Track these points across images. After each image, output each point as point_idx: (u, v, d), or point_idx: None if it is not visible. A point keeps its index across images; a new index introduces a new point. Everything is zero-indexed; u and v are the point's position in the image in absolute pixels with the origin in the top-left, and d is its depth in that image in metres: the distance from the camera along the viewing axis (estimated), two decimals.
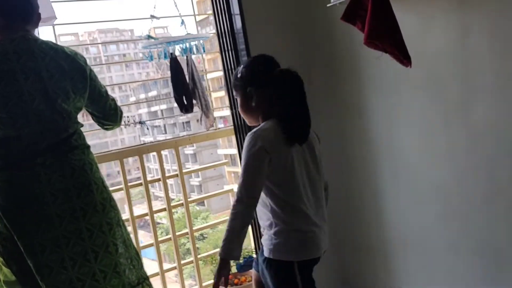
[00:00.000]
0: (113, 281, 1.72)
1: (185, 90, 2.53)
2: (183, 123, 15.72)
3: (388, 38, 1.83)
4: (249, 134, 1.74)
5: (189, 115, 2.62)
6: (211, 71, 3.15)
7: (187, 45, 2.60)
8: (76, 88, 1.75)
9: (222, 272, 1.74)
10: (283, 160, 1.73)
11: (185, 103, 2.54)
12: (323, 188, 1.88)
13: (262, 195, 1.74)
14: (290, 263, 1.78)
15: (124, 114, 2.26)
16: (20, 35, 1.69)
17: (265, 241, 1.81)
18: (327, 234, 1.86)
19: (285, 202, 1.74)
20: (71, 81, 1.73)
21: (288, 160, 1.74)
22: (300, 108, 1.78)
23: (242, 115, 1.92)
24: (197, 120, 2.62)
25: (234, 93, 1.90)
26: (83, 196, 1.70)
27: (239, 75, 1.83)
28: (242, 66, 1.86)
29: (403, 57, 1.85)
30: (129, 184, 2.69)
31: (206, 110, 2.54)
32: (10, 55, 1.64)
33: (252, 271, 2.12)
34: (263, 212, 1.81)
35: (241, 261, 2.74)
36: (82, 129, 1.86)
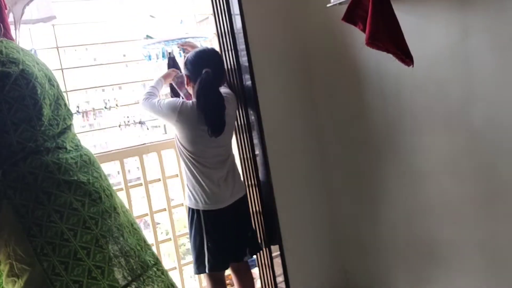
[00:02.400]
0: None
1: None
2: None
3: (390, 38, 1.83)
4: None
5: None
6: None
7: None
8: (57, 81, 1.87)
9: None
10: None
11: None
12: None
13: None
14: None
15: (124, 114, 2.26)
16: (1, 39, 1.75)
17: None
18: None
19: None
20: (53, 73, 1.87)
21: None
22: None
23: None
24: None
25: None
26: None
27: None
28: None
29: (405, 57, 1.85)
30: (129, 184, 2.70)
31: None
32: (10, 49, 1.69)
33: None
34: None
35: None
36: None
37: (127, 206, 2.66)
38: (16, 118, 1.64)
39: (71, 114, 1.86)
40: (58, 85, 1.84)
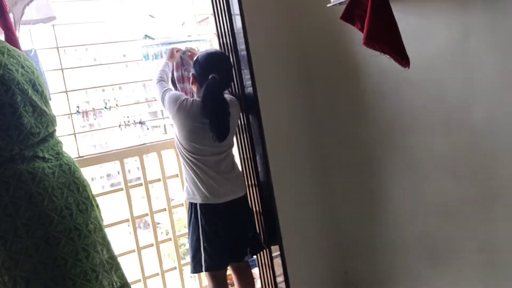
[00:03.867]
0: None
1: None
2: None
3: (387, 39, 1.83)
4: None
5: None
6: None
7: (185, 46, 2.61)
8: (44, 84, 1.80)
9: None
10: None
11: None
12: None
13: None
14: None
15: (124, 114, 2.26)
16: None
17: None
18: None
19: None
20: (42, 78, 1.78)
21: None
22: None
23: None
24: None
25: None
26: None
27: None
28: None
29: (401, 58, 1.85)
30: (129, 184, 2.70)
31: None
32: None
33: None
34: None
35: None
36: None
37: (126, 205, 2.66)
38: None
39: (55, 120, 1.77)
40: (43, 90, 1.75)
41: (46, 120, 1.70)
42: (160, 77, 2.39)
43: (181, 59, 2.53)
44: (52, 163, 1.68)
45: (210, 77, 2.25)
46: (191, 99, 2.30)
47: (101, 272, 1.72)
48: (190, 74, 2.41)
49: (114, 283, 1.77)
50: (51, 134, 1.74)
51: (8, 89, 1.59)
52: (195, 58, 2.38)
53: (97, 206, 1.83)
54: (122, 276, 1.84)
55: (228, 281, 2.81)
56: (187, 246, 2.45)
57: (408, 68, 1.86)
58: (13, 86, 1.61)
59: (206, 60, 2.33)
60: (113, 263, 1.80)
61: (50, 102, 1.80)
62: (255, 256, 2.67)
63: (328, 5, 2.18)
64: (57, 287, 1.62)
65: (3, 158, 1.59)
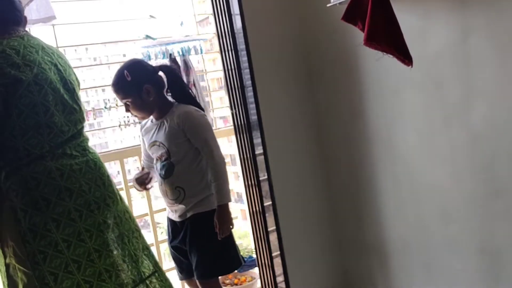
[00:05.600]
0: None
1: None
2: None
3: (389, 38, 1.83)
4: (197, 112, 2.12)
5: None
6: (211, 71, 3.15)
7: (185, 46, 2.61)
8: (77, 81, 1.84)
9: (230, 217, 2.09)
10: None
11: None
12: None
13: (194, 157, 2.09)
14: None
15: (124, 114, 2.26)
16: (24, 33, 1.74)
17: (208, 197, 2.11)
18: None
19: None
20: (74, 75, 1.83)
21: None
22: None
23: (136, 114, 2.15)
24: None
25: (122, 96, 2.10)
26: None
27: (129, 78, 2.05)
28: (124, 70, 2.07)
29: (404, 57, 1.85)
30: (129, 184, 2.69)
31: (203, 111, 2.55)
32: (30, 48, 1.68)
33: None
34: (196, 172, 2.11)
35: None
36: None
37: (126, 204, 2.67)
38: (25, 124, 1.62)
39: (83, 117, 1.82)
40: (74, 88, 1.80)
41: (75, 117, 1.76)
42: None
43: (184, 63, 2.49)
44: (79, 159, 1.73)
45: (156, 67, 2.17)
46: (194, 109, 2.15)
47: (130, 262, 1.79)
48: (131, 98, 2.09)
49: (142, 273, 1.83)
50: (79, 131, 1.79)
51: (41, 88, 1.65)
52: (129, 78, 2.05)
53: (121, 199, 1.89)
54: (155, 264, 1.92)
55: (228, 281, 2.81)
56: None
57: (411, 66, 1.87)
58: (46, 86, 1.66)
59: (139, 64, 2.16)
60: (138, 254, 1.85)
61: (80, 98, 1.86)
62: (254, 256, 2.67)
63: (328, 5, 2.18)
64: (93, 283, 1.67)
65: (33, 155, 1.64)
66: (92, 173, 1.75)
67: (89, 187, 1.71)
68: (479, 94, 1.93)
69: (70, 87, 1.76)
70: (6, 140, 1.62)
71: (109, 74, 2.26)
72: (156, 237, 2.79)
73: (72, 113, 1.74)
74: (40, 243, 1.61)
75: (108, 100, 2.58)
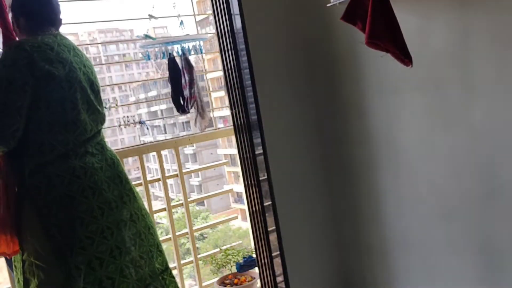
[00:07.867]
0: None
1: (182, 90, 2.55)
2: (183, 123, 15.69)
3: (389, 38, 1.83)
4: None
5: (189, 115, 2.62)
6: (211, 71, 3.15)
7: (185, 45, 2.61)
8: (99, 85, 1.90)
9: None
10: None
11: (182, 103, 2.55)
12: None
13: None
14: None
15: (124, 114, 2.28)
16: (57, 33, 1.81)
17: None
18: None
19: None
20: (97, 79, 1.90)
21: None
22: None
23: None
24: (194, 121, 2.63)
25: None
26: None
27: None
28: None
29: (404, 56, 1.85)
30: None
31: (202, 111, 2.56)
32: (62, 47, 1.74)
33: None
34: None
35: (241, 261, 2.75)
36: None
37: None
38: (52, 119, 1.67)
39: (104, 119, 1.88)
40: (99, 90, 1.86)
41: (97, 118, 1.82)
42: None
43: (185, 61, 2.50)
44: (99, 157, 1.78)
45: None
46: None
47: (146, 259, 1.85)
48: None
49: (156, 269, 1.90)
50: (99, 131, 1.85)
51: (71, 86, 1.71)
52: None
53: (137, 196, 1.93)
54: (164, 263, 1.97)
55: (228, 281, 2.81)
56: (187, 246, 2.45)
57: (411, 66, 1.87)
58: (76, 84, 1.73)
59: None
60: (153, 250, 1.92)
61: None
62: (254, 256, 2.67)
63: (328, 5, 2.18)
64: (115, 279, 1.72)
65: (58, 152, 1.68)
66: (111, 171, 1.80)
67: (108, 185, 1.76)
68: (479, 94, 1.93)
69: (95, 89, 1.83)
70: (31, 133, 1.66)
71: (109, 74, 2.26)
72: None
73: (95, 113, 1.80)
74: (66, 239, 1.65)
75: (108, 100, 2.58)
